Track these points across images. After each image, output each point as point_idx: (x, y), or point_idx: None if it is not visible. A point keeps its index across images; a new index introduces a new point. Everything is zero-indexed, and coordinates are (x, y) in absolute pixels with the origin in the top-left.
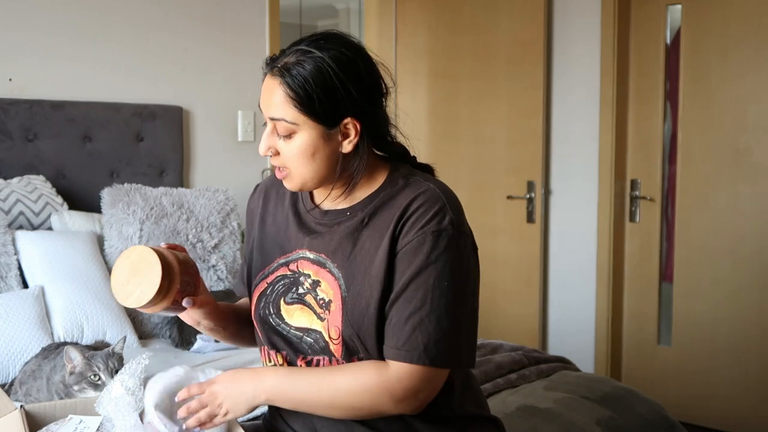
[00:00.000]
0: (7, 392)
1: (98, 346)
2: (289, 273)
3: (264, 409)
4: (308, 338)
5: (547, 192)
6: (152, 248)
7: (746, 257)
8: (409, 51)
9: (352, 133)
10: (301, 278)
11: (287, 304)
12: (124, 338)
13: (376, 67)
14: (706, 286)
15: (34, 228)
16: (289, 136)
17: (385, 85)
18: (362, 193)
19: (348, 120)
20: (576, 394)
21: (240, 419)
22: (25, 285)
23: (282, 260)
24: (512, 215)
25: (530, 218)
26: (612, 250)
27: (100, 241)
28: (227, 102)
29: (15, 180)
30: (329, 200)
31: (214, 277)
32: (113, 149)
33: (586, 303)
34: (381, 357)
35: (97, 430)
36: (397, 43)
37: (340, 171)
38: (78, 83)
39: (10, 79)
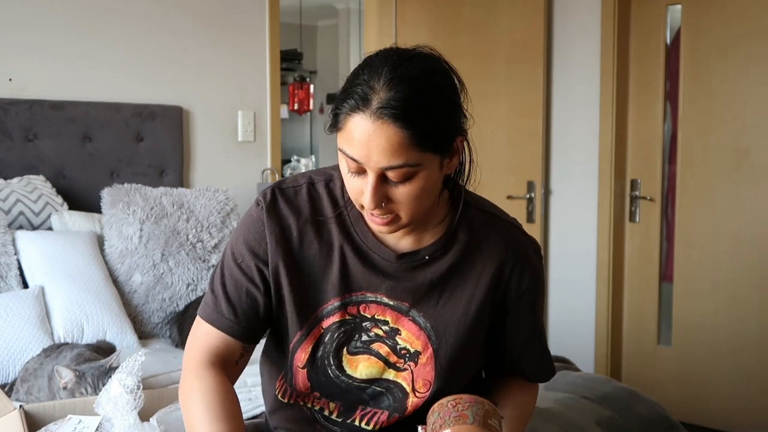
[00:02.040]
0: (9, 391)
1: (101, 346)
2: (349, 318)
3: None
4: (377, 388)
5: (547, 192)
6: None
7: (746, 257)
8: None
9: (460, 150)
10: (366, 324)
11: (350, 354)
12: (119, 352)
13: (454, 72)
14: (706, 286)
15: (34, 228)
16: (407, 179)
17: (463, 88)
18: (436, 229)
19: (460, 138)
20: (576, 394)
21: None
22: (25, 285)
23: (337, 303)
24: (512, 215)
25: (530, 218)
26: (612, 250)
27: (100, 241)
28: (227, 102)
29: (15, 180)
30: (397, 236)
31: None
32: (113, 149)
33: (586, 303)
34: None
35: (96, 429)
36: (397, 43)
37: (439, 195)
38: (78, 83)
39: (10, 79)
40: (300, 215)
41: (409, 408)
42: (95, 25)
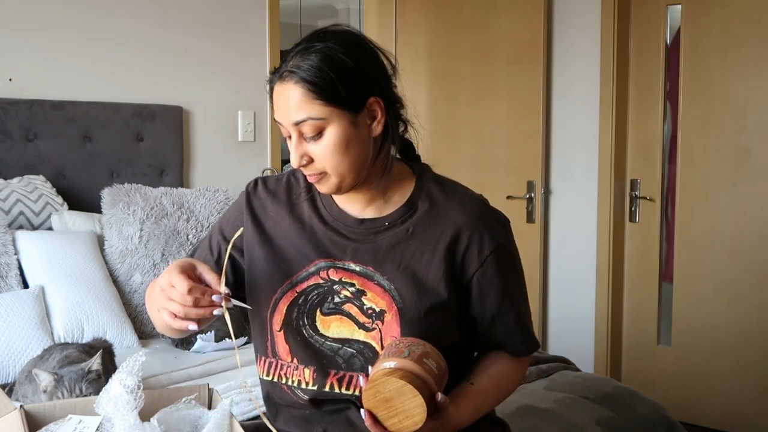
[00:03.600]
0: (9, 392)
1: (94, 345)
2: (321, 282)
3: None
4: (349, 349)
5: (547, 192)
6: (408, 380)
7: (746, 257)
8: (409, 51)
9: (379, 113)
10: (336, 287)
11: (324, 314)
12: (100, 353)
13: (379, 48)
14: (706, 286)
15: (34, 228)
16: (318, 134)
17: (392, 65)
18: (396, 199)
19: (372, 99)
20: (576, 394)
21: (240, 418)
22: (25, 285)
23: (312, 268)
24: (512, 215)
25: (530, 218)
26: (612, 250)
27: (100, 241)
28: (227, 102)
29: (15, 180)
30: (359, 208)
31: None
32: (113, 149)
33: (586, 303)
34: None
35: (97, 429)
36: (397, 43)
37: (373, 158)
38: (78, 83)
39: (10, 79)
40: (276, 198)
41: None
42: (95, 25)
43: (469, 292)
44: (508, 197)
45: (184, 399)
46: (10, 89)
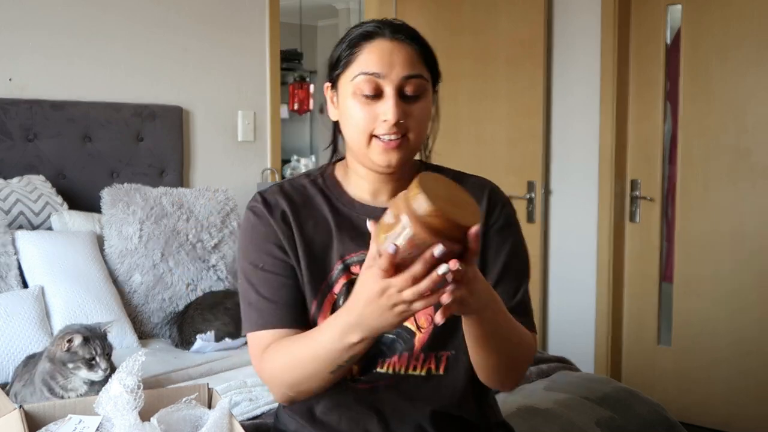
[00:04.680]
0: (8, 394)
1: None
2: (354, 278)
3: (268, 407)
4: (389, 335)
5: (547, 192)
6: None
7: (746, 257)
8: None
9: (436, 99)
10: None
11: None
12: (112, 322)
13: None
14: (706, 287)
15: (34, 228)
16: (416, 97)
17: None
18: (402, 186)
19: (437, 86)
20: (576, 394)
21: (240, 418)
22: (25, 285)
23: (340, 266)
24: None
25: (530, 218)
26: (612, 250)
27: (100, 241)
28: (227, 102)
29: (15, 180)
30: (372, 196)
31: (214, 277)
32: (113, 149)
33: (586, 303)
34: (465, 347)
35: (97, 429)
36: None
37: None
38: (78, 83)
39: (10, 79)
40: (291, 201)
41: (417, 345)
42: (95, 25)
43: (481, 261)
44: (509, 197)
45: (184, 399)
46: (10, 89)
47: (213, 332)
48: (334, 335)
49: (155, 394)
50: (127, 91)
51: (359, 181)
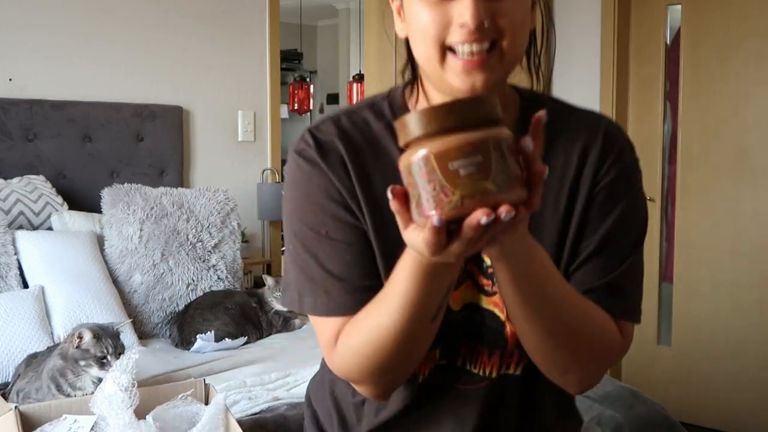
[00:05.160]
0: (9, 391)
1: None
2: None
3: (266, 405)
4: (473, 317)
5: None
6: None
7: (746, 257)
8: None
9: (537, 7)
10: None
11: None
12: (126, 322)
13: None
14: (706, 286)
15: (34, 228)
16: None
17: None
18: (506, 119)
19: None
20: None
21: (239, 416)
22: (25, 285)
23: None
24: None
25: None
26: None
27: (100, 241)
28: (227, 102)
29: (15, 180)
30: None
31: (215, 277)
32: (113, 149)
33: None
34: None
35: (92, 429)
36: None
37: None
38: (78, 83)
39: (10, 79)
40: (351, 143)
41: (510, 339)
42: (95, 25)
43: (583, 224)
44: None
45: (180, 396)
46: (10, 89)
47: (213, 332)
48: (416, 278)
49: (151, 391)
50: (127, 91)
51: None
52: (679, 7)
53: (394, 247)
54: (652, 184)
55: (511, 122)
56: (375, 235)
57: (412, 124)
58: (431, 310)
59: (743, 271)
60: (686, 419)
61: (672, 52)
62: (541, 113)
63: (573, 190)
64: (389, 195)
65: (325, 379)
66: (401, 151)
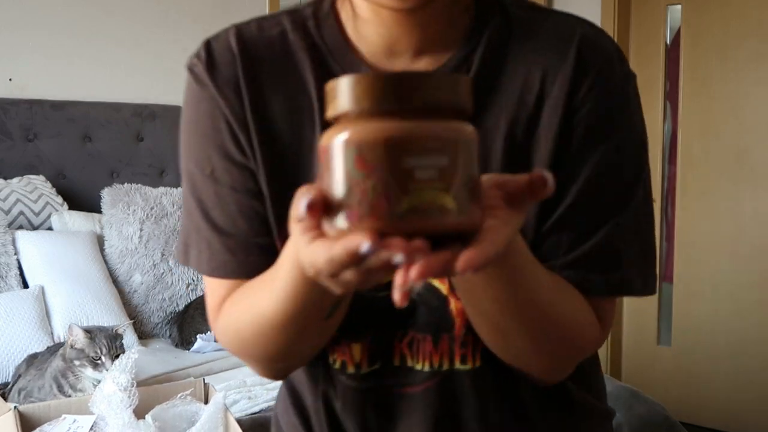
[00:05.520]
0: (9, 391)
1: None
2: None
3: (266, 404)
4: (412, 298)
5: None
6: None
7: (746, 257)
8: None
9: None
10: None
11: None
12: (128, 324)
13: None
14: (706, 287)
15: (34, 228)
16: None
17: None
18: (450, 42)
19: None
20: None
21: (238, 416)
22: (25, 285)
23: None
24: None
25: None
26: None
27: (100, 241)
28: None
29: (15, 180)
30: (402, 56)
31: None
32: (113, 149)
33: None
34: None
35: (91, 428)
36: None
37: None
38: (78, 83)
39: (10, 79)
40: (250, 57)
41: (456, 318)
42: (95, 25)
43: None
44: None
45: (179, 395)
46: (10, 89)
47: (212, 332)
48: (298, 284)
49: (150, 391)
50: (127, 91)
51: (366, 27)
52: (679, 7)
53: (292, 196)
54: (652, 184)
55: (459, 35)
56: (267, 178)
57: (355, 90)
58: (323, 311)
59: (743, 271)
60: (686, 419)
61: (672, 52)
62: (548, 179)
63: (532, 126)
64: (298, 200)
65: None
66: (317, 73)
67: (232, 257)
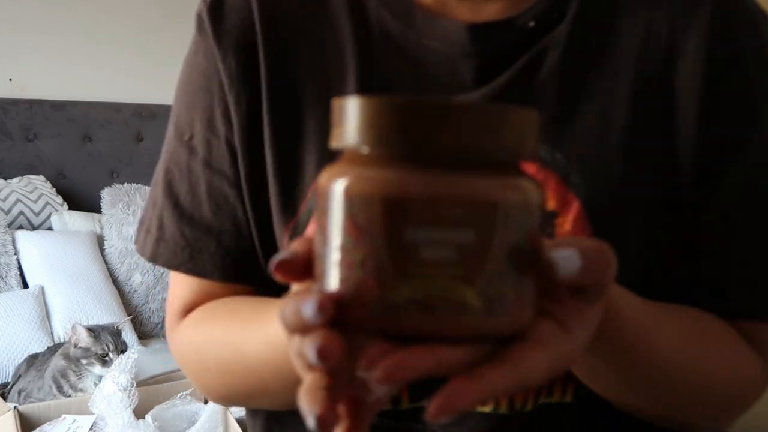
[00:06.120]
0: (9, 391)
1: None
2: None
3: None
4: None
5: None
6: None
7: None
8: None
9: None
10: None
11: None
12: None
13: None
14: None
15: (34, 228)
16: None
17: None
18: None
19: None
20: None
21: (237, 415)
22: (25, 285)
23: None
24: None
25: None
26: None
27: (100, 241)
28: None
29: (15, 180)
30: (471, 5)
31: None
32: (113, 149)
33: None
34: None
35: (91, 428)
36: None
37: None
38: (78, 83)
39: (10, 79)
40: (273, 4)
41: None
42: (95, 25)
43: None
44: None
45: (179, 395)
46: (10, 89)
47: None
48: (274, 353)
49: (150, 391)
50: (127, 91)
51: None
52: None
53: (299, 170)
54: None
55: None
56: (274, 150)
57: (361, 117)
58: (289, 387)
59: None
60: None
61: None
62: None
63: (666, 93)
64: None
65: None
66: (356, 22)
67: (183, 244)
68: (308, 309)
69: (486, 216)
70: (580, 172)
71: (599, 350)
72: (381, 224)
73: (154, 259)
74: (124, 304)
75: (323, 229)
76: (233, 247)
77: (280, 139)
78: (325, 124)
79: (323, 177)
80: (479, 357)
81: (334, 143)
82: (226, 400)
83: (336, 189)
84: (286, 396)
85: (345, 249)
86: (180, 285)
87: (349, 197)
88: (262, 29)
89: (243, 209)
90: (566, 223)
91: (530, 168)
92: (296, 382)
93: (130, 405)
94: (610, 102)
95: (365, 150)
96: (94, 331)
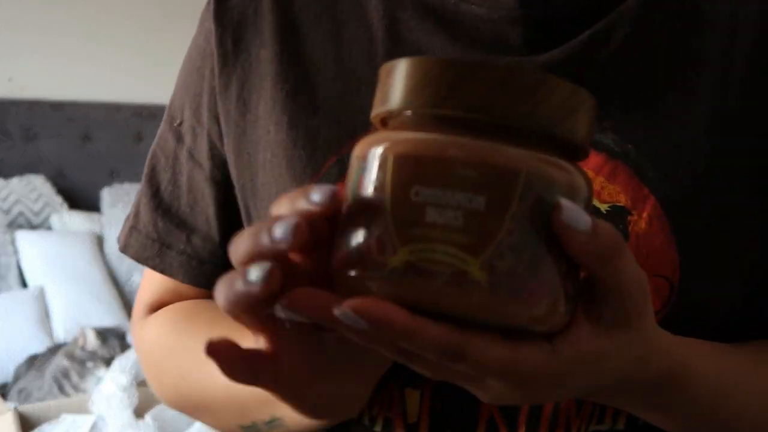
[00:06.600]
0: (9, 391)
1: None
2: None
3: None
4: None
5: None
6: None
7: None
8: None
9: None
10: None
11: None
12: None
13: None
14: None
15: (34, 228)
16: None
17: None
18: None
19: None
20: None
21: None
22: (25, 285)
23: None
24: None
25: None
26: None
27: (100, 241)
28: None
29: (15, 180)
30: None
31: None
32: (113, 149)
33: None
34: None
35: (91, 429)
36: None
37: None
38: (78, 83)
39: (10, 79)
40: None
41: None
42: (95, 25)
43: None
44: None
45: None
46: (10, 89)
47: None
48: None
49: (150, 391)
50: (127, 91)
51: None
52: None
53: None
54: None
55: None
56: (290, 138)
57: (407, 78)
58: (245, 421)
59: None
60: None
61: None
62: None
63: (748, 95)
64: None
65: None
66: (386, 9)
67: (155, 237)
68: (280, 228)
69: (502, 183)
70: (655, 168)
71: (660, 407)
72: (391, 183)
73: (124, 249)
74: (124, 304)
75: (346, 191)
76: (201, 249)
77: (291, 109)
78: (345, 91)
79: (359, 146)
80: (462, 343)
81: (374, 111)
82: (177, 406)
83: (361, 151)
84: (228, 421)
85: (359, 211)
86: (152, 279)
87: (363, 158)
88: (272, 5)
89: (215, 210)
90: (641, 221)
91: (596, 158)
92: (242, 409)
93: (131, 405)
94: (691, 93)
95: (399, 111)
96: (102, 335)
